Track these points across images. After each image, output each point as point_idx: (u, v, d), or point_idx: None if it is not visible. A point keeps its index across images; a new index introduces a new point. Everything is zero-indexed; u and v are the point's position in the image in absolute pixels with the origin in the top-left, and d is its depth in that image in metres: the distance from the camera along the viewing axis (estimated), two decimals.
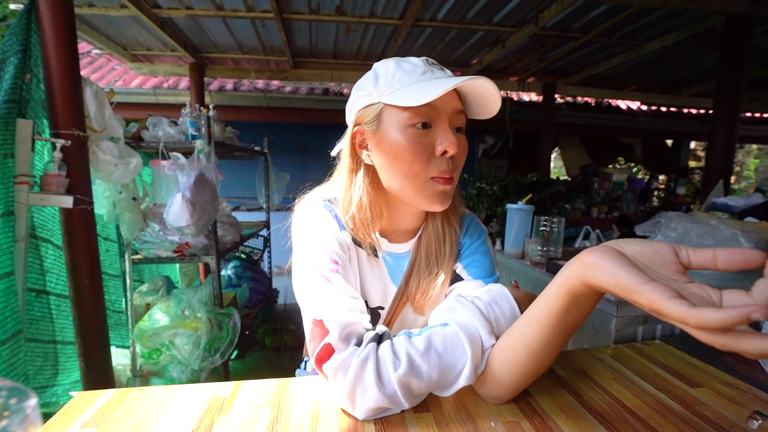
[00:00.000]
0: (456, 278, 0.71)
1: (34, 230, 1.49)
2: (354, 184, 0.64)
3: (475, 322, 0.57)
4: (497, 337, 0.58)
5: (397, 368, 0.53)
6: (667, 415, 0.61)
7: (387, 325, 0.73)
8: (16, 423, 0.28)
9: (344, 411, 0.59)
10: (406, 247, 0.71)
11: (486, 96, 0.60)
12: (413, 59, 0.61)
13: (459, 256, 0.72)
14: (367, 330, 0.58)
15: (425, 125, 0.58)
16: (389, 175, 0.62)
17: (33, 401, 0.28)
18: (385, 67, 0.61)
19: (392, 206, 0.67)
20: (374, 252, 0.69)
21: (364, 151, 0.64)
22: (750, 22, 2.55)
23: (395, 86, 0.58)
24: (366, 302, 0.70)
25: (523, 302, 0.60)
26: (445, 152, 0.58)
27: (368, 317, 0.60)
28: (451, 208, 0.68)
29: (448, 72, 0.61)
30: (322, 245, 0.62)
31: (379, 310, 0.72)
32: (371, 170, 0.65)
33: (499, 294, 0.61)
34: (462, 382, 0.56)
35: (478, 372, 0.57)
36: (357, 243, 0.68)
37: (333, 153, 0.69)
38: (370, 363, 0.53)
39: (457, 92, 0.61)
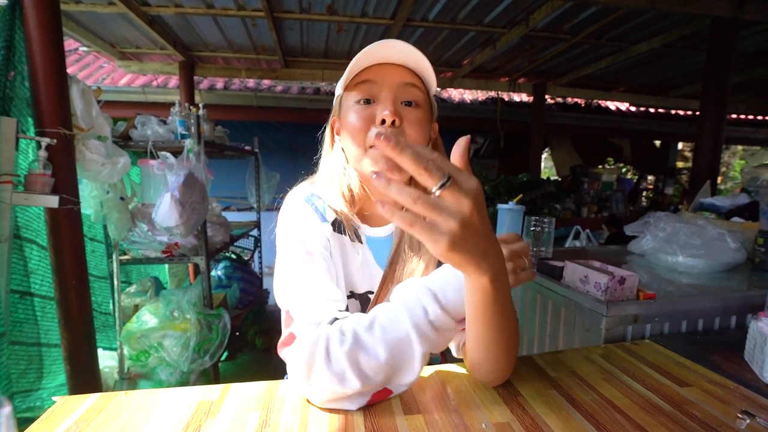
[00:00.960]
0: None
1: (19, 231, 1.46)
2: (330, 162, 0.70)
3: (417, 293, 0.55)
4: (445, 307, 0.55)
5: (343, 344, 0.53)
6: (657, 414, 0.61)
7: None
8: None
9: (308, 401, 0.59)
10: (387, 230, 0.72)
11: (414, 57, 0.63)
12: (373, 44, 0.63)
13: None
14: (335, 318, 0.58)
15: (368, 101, 0.63)
16: (348, 152, 0.67)
17: (7, 410, 0.27)
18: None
19: (364, 183, 0.69)
20: (357, 238, 0.71)
21: (338, 137, 0.70)
22: (735, 26, 2.60)
23: (347, 74, 0.64)
24: (353, 291, 0.72)
25: None
26: (383, 121, 0.61)
27: (343, 305, 0.61)
28: None
29: (403, 46, 0.62)
30: (299, 238, 0.64)
31: (369, 295, 0.73)
32: (343, 152, 0.70)
33: (445, 265, 0.58)
34: (417, 356, 0.54)
35: (434, 344, 0.55)
36: (340, 231, 0.69)
37: (320, 138, 0.75)
38: (320, 342, 0.53)
39: (407, 68, 0.65)
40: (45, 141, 1.36)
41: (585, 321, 1.03)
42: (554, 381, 0.71)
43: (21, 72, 1.39)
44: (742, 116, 6.43)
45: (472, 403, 0.63)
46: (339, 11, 3.03)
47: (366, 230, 0.71)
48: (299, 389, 0.59)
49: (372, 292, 0.72)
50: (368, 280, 0.72)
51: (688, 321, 1.04)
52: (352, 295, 0.73)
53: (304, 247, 0.63)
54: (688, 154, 9.08)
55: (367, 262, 0.71)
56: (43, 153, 1.36)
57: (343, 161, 0.69)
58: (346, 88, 0.64)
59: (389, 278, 0.72)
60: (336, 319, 0.57)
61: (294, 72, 4.41)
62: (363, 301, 0.73)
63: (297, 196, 0.70)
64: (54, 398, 0.63)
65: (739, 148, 10.92)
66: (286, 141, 5.33)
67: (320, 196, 0.70)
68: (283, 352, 0.58)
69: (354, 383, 0.53)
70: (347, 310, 0.61)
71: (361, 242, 0.71)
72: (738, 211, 1.77)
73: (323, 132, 0.74)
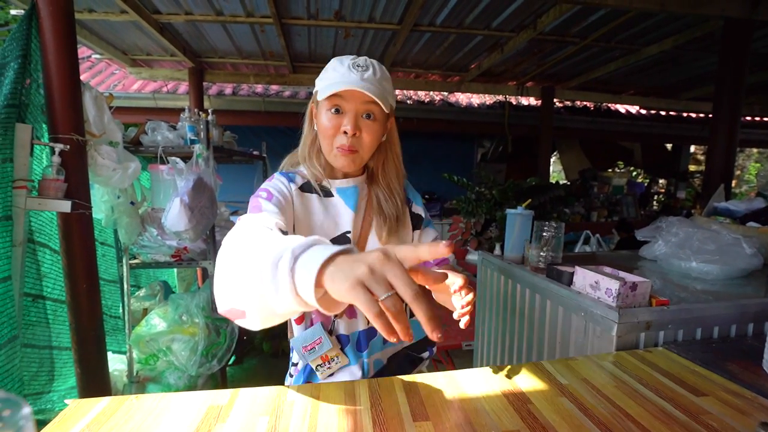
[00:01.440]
0: (416, 217, 0.95)
1: (32, 235, 1.48)
2: (308, 140, 0.89)
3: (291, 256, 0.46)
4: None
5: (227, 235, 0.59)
6: (672, 424, 0.60)
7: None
8: None
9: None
10: (352, 182, 0.89)
11: (376, 88, 0.78)
12: (346, 61, 0.80)
13: (409, 200, 0.96)
14: None
15: (338, 110, 0.80)
16: (320, 140, 0.85)
17: (26, 411, 0.28)
18: (329, 63, 0.83)
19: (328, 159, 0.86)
20: (326, 193, 0.87)
21: (315, 121, 0.86)
22: (749, 26, 2.56)
23: (324, 81, 0.81)
24: (329, 237, 0.84)
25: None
26: (345, 132, 0.79)
27: (282, 224, 0.71)
28: (390, 162, 0.90)
29: (368, 73, 0.78)
30: (262, 188, 0.81)
31: (347, 234, 0.86)
32: (317, 134, 0.87)
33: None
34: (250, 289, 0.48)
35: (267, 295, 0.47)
36: (308, 191, 0.86)
37: (300, 117, 0.92)
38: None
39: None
40: (59, 147, 1.39)
41: (596, 328, 1.01)
42: (565, 388, 0.70)
43: (36, 80, 1.42)
44: (757, 118, 6.32)
45: (482, 410, 0.63)
46: (346, 17, 3.05)
47: (335, 183, 0.88)
48: None
49: (349, 232, 0.86)
50: (342, 222, 0.86)
51: (703, 328, 1.01)
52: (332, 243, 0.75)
53: (264, 192, 0.80)
54: (701, 157, 8.95)
55: (338, 208, 0.87)
56: (56, 158, 1.39)
57: (318, 141, 0.87)
58: (323, 97, 0.79)
59: (364, 215, 0.89)
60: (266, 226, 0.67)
61: (302, 77, 4.44)
62: (342, 243, 0.73)
63: (276, 174, 0.87)
64: (66, 401, 0.63)
65: (755, 150, 10.73)
66: (294, 145, 5.35)
67: (295, 167, 0.90)
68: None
69: (218, 283, 0.52)
70: (285, 232, 0.71)
71: (332, 195, 0.87)
72: (754, 215, 1.73)
73: (304, 113, 0.91)
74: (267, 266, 0.45)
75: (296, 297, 0.43)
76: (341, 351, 0.85)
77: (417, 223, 0.96)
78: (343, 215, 0.87)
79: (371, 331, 0.87)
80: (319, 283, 0.42)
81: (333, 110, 0.80)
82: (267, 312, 0.48)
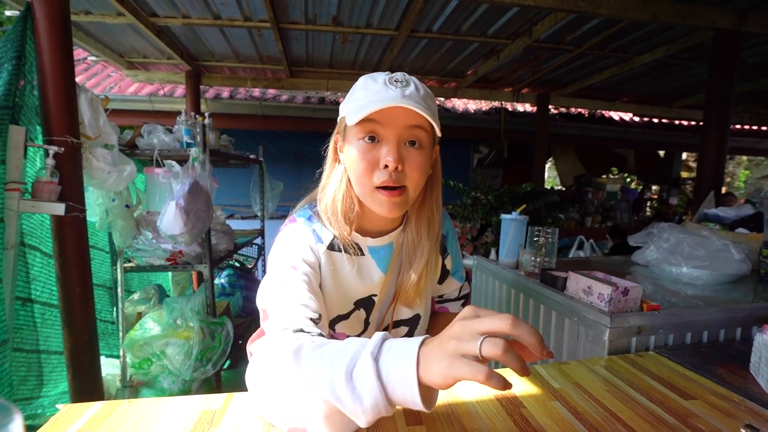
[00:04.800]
0: (445, 272, 0.85)
1: (23, 237, 1.47)
2: (332, 178, 0.71)
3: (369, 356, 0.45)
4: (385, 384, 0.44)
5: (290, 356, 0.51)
6: (661, 427, 0.61)
7: (384, 315, 0.78)
8: None
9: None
10: (387, 239, 0.75)
11: (423, 102, 0.63)
12: (380, 77, 0.64)
13: (444, 250, 0.84)
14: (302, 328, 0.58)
15: (372, 138, 0.63)
16: (351, 179, 0.68)
17: (18, 418, 0.28)
18: (358, 83, 0.67)
19: (363, 204, 0.70)
20: (358, 250, 0.73)
21: (341, 155, 0.70)
22: (738, 37, 2.61)
23: (353, 103, 0.65)
24: (358, 299, 0.74)
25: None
26: (386, 166, 0.62)
27: (315, 314, 0.61)
28: (426, 209, 0.74)
29: (410, 89, 0.62)
30: (287, 252, 0.68)
31: (373, 297, 0.75)
32: (346, 173, 0.70)
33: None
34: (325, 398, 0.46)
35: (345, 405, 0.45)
36: (337, 249, 0.71)
37: (323, 152, 0.75)
38: (279, 348, 0.52)
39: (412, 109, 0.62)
40: (53, 149, 1.38)
41: (588, 332, 1.02)
42: (557, 392, 0.71)
43: (31, 81, 1.41)
44: (746, 127, 6.43)
45: (475, 414, 0.63)
46: (344, 22, 3.08)
47: (368, 242, 0.74)
48: (252, 377, 0.59)
49: (375, 295, 0.75)
50: (369, 284, 0.74)
51: (692, 333, 1.03)
52: (356, 305, 0.75)
53: (289, 261, 0.66)
54: (693, 164, 9.06)
55: (370, 269, 0.74)
56: (50, 161, 1.38)
57: (345, 183, 0.69)
58: (354, 121, 0.62)
59: (393, 280, 0.76)
60: (302, 330, 0.57)
61: (299, 82, 4.46)
62: (367, 305, 0.76)
63: (296, 220, 0.73)
64: (58, 406, 0.63)
65: (744, 158, 10.88)
66: (291, 150, 5.37)
67: (319, 219, 0.72)
68: (252, 345, 0.64)
69: (294, 393, 0.50)
70: (320, 318, 0.62)
71: (363, 254, 0.73)
72: (742, 222, 1.76)
73: (326, 148, 0.74)
74: (339, 378, 0.44)
75: (385, 400, 0.42)
76: None
77: (443, 278, 0.86)
78: (373, 276, 0.74)
79: None
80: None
81: (367, 138, 0.63)
82: (339, 427, 0.48)
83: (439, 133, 0.66)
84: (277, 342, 0.55)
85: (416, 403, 0.42)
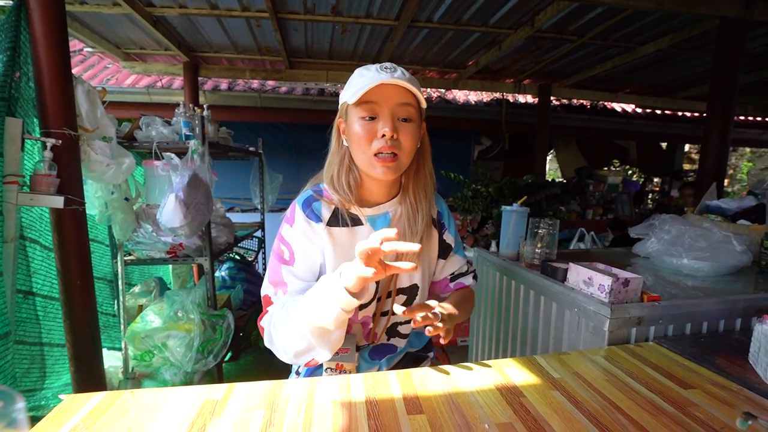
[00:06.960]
0: (446, 247, 0.94)
1: (23, 231, 1.47)
2: (336, 158, 0.85)
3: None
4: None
5: (271, 328, 0.77)
6: (660, 416, 0.61)
7: (388, 283, 0.87)
8: (3, 426, 0.27)
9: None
10: (383, 209, 0.86)
11: (409, 81, 0.77)
12: (373, 66, 0.78)
13: (442, 226, 0.94)
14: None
15: (372, 117, 0.77)
16: (353, 153, 0.82)
17: (20, 404, 0.28)
18: (354, 73, 0.81)
19: (364, 177, 0.84)
20: (359, 221, 0.84)
21: (343, 137, 0.84)
22: (743, 26, 2.57)
23: (352, 88, 0.78)
24: None
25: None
26: (383, 135, 0.76)
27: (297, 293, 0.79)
28: (422, 176, 0.88)
29: (398, 73, 0.77)
30: (284, 244, 0.83)
31: None
32: (348, 150, 0.84)
33: None
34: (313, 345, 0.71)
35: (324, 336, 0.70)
36: (337, 224, 0.82)
37: (328, 134, 0.88)
38: (269, 323, 0.77)
39: (405, 88, 0.77)
40: (50, 142, 1.37)
41: (589, 323, 1.02)
42: (557, 382, 0.71)
43: (26, 73, 1.39)
44: (750, 118, 6.37)
45: (475, 403, 0.63)
46: (343, 12, 3.04)
47: (366, 211, 0.85)
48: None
49: None
50: None
51: (692, 323, 1.03)
52: None
53: (284, 254, 0.82)
54: (695, 156, 9.01)
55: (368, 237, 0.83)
56: (48, 153, 1.37)
57: (348, 158, 0.83)
58: (354, 101, 0.76)
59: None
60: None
61: (298, 73, 4.42)
62: None
63: (297, 205, 0.84)
64: (61, 396, 0.63)
65: (747, 150, 10.82)
66: (290, 142, 5.34)
67: (321, 192, 0.85)
68: (260, 322, 0.81)
69: (280, 355, 0.76)
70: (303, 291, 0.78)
71: (362, 223, 0.84)
72: (744, 213, 1.75)
73: (330, 131, 0.87)
74: (320, 300, 0.67)
75: (345, 293, 0.64)
76: (356, 370, 0.85)
77: (445, 252, 0.94)
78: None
79: (382, 348, 0.90)
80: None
81: (367, 118, 0.77)
82: (324, 334, 0.68)
83: (424, 105, 0.81)
84: (273, 312, 0.77)
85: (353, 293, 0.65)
